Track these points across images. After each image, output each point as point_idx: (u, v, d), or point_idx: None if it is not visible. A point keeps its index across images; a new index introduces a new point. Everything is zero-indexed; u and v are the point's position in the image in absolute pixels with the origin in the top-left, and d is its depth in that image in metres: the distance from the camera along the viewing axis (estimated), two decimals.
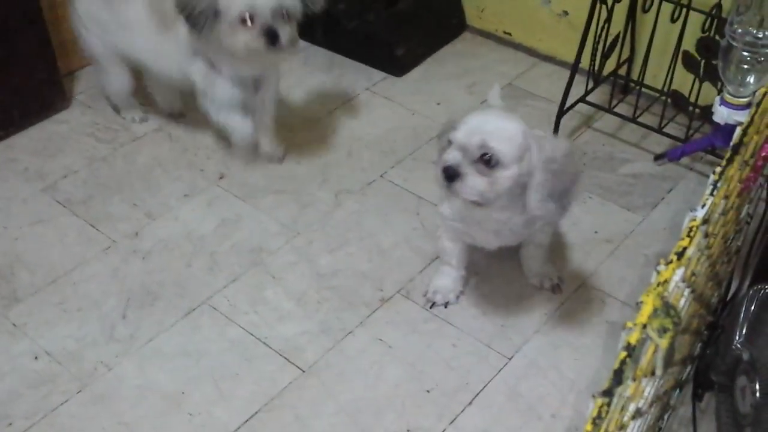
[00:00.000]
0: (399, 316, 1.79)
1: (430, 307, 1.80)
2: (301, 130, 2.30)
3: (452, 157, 1.46)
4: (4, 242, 1.94)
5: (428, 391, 1.63)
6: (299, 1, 1.80)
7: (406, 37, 2.52)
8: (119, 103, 2.29)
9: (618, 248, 1.93)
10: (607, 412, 0.63)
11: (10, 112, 2.23)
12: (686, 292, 0.93)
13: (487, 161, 1.44)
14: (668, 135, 2.11)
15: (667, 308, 0.67)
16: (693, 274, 0.95)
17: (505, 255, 1.83)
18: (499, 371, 1.67)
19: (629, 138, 2.24)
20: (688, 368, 1.59)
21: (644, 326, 0.66)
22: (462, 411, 1.60)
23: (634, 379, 0.70)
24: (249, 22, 1.74)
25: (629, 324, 0.67)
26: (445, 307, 1.79)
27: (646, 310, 0.67)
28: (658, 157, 1.97)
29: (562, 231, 1.94)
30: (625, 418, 0.75)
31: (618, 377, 0.63)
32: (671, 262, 0.77)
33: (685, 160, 2.12)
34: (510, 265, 1.86)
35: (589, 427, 0.62)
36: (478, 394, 1.63)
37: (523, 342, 1.73)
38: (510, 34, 2.60)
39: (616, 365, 0.64)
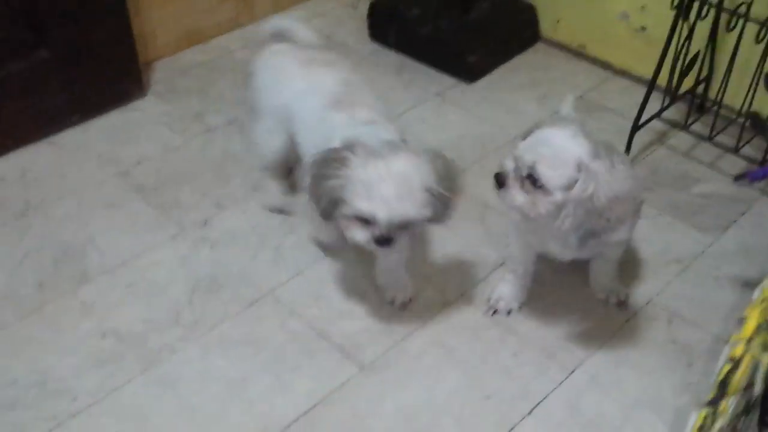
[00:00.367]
0: (460, 321, 1.78)
1: (492, 314, 1.78)
2: None
3: (506, 165, 1.50)
4: (77, 223, 1.99)
5: (487, 398, 1.62)
6: (426, 214, 1.52)
7: (479, 44, 2.52)
8: (266, 165, 2.00)
9: (687, 269, 1.90)
10: (713, 422, 0.62)
11: (88, 98, 2.28)
12: None
13: (533, 181, 1.45)
14: (744, 157, 2.07)
15: None
16: None
17: (573, 267, 1.81)
18: (560, 384, 1.65)
19: (703, 158, 2.20)
20: (757, 393, 1.55)
21: (749, 341, 0.65)
22: (520, 420, 1.58)
23: (726, 396, 0.69)
24: (365, 223, 1.52)
25: (734, 338, 0.66)
26: (508, 315, 1.78)
27: (751, 325, 0.66)
28: (738, 177, 1.93)
29: (632, 247, 1.91)
30: None
31: (723, 388, 0.62)
32: None
33: (759, 183, 2.07)
34: (576, 277, 1.84)
35: None
36: (537, 405, 1.61)
37: (585, 356, 1.70)
38: (585, 46, 2.58)
39: (721, 377, 0.63)
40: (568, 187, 1.43)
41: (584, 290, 1.82)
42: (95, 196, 2.07)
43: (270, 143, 1.91)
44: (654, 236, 1.96)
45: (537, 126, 1.52)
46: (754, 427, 1.54)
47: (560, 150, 1.45)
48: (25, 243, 1.92)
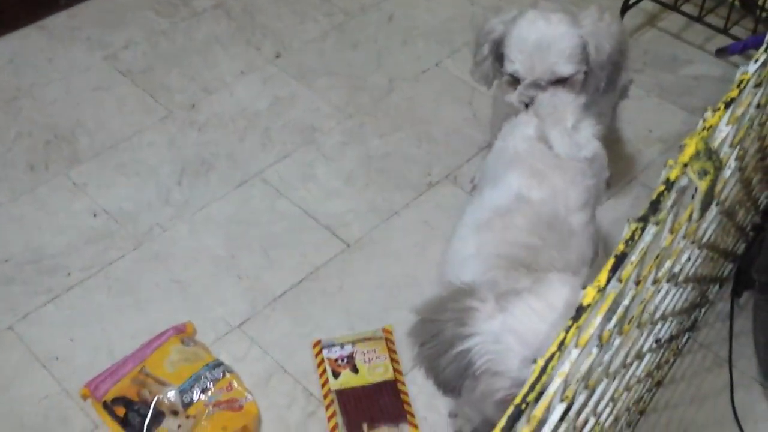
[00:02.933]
0: (445, 200, 1.81)
1: None
2: (357, 14, 2.29)
3: (525, 95, 1.47)
4: (66, 107, 2.00)
5: None
6: None
7: None
8: None
9: (671, 148, 1.91)
10: (641, 236, 0.65)
11: None
12: (733, 162, 0.93)
13: (557, 82, 1.46)
14: (733, 37, 2.05)
15: (709, 152, 0.68)
16: (742, 148, 0.95)
17: None
18: None
19: (693, 39, 2.18)
20: (730, 266, 1.60)
21: (685, 165, 0.67)
22: None
23: (672, 232, 0.72)
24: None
25: (670, 162, 0.68)
26: None
27: (689, 151, 0.68)
28: (719, 51, 1.93)
29: (617, 126, 1.92)
30: (659, 274, 0.77)
31: (654, 207, 0.65)
32: (719, 110, 0.78)
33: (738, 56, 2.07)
34: None
35: (621, 246, 0.64)
36: None
37: None
38: None
39: (653, 196, 0.66)
40: (583, 60, 1.45)
41: None
42: (84, 79, 2.07)
43: None
44: (640, 117, 1.97)
45: (490, 28, 1.50)
46: (727, 297, 1.60)
47: (560, 40, 1.44)
48: (15, 127, 1.94)
